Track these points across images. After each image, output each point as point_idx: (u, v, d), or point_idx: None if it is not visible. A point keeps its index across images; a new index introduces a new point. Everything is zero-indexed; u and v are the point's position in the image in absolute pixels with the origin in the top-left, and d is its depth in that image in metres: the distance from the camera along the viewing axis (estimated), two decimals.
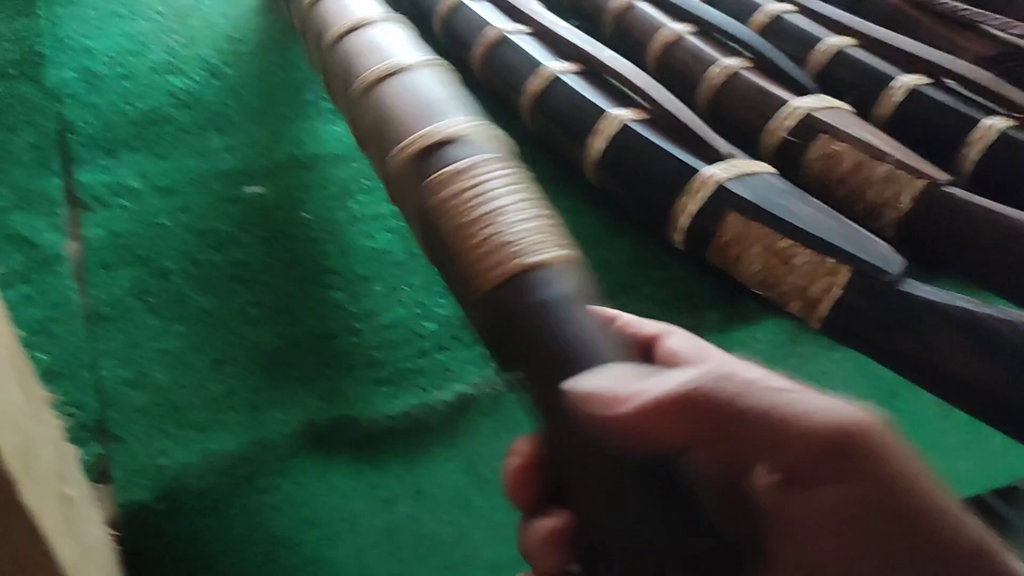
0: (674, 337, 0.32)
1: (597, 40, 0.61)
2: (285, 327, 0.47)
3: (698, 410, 0.25)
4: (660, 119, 0.53)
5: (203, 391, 0.44)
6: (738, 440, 0.25)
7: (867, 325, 0.45)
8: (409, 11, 0.67)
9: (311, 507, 0.42)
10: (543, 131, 0.58)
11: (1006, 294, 0.50)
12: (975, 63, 0.63)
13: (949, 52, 0.64)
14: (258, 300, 0.48)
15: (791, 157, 0.56)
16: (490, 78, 0.61)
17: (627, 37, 0.67)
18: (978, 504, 1.07)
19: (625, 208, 0.54)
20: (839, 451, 0.24)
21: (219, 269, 0.50)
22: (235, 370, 0.45)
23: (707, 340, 0.48)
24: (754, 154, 0.56)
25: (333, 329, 0.47)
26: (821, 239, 0.46)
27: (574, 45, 0.58)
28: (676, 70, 0.63)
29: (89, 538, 0.32)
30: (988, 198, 0.51)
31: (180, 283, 0.49)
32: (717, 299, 0.50)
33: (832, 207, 0.50)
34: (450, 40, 0.65)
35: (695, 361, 0.30)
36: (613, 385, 0.27)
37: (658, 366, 0.30)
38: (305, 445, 0.41)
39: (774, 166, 0.53)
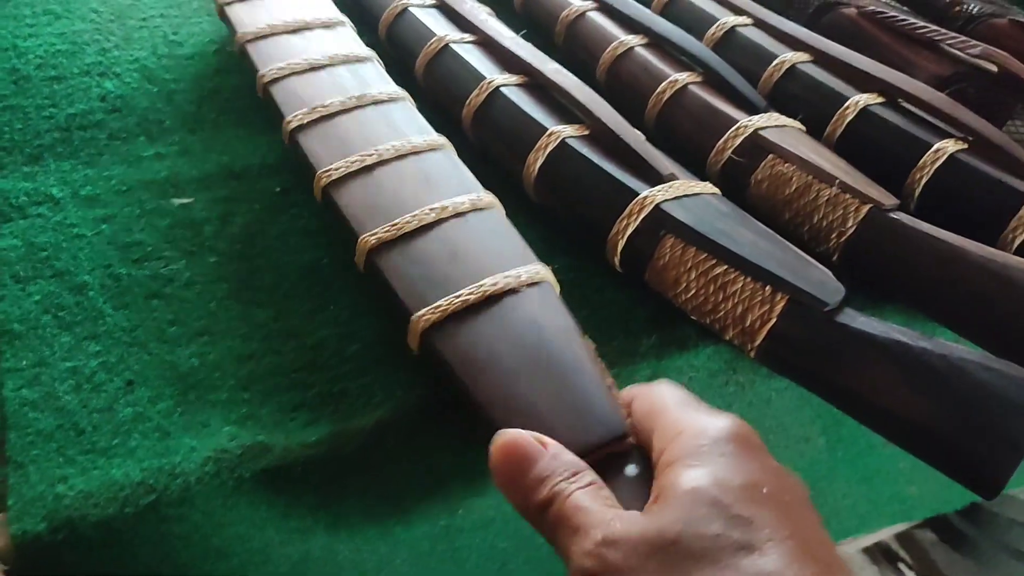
0: (633, 403, 0.38)
1: (548, 50, 0.60)
2: (204, 347, 0.45)
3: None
4: (601, 136, 0.52)
5: (111, 414, 0.42)
6: None
7: (802, 355, 0.44)
8: (355, 15, 0.66)
9: (221, 537, 0.41)
10: (484, 144, 0.56)
11: (947, 322, 0.49)
12: (931, 82, 0.62)
13: (905, 70, 0.63)
14: (177, 318, 0.46)
15: (738, 177, 0.55)
16: (433, 88, 0.59)
17: (578, 48, 0.65)
18: (940, 523, 1.07)
19: (563, 227, 0.53)
20: None
21: (139, 284, 0.48)
22: (147, 392, 0.43)
23: (642, 367, 0.47)
24: (701, 173, 0.55)
25: (254, 350, 0.45)
26: (758, 266, 0.45)
27: (518, 57, 0.57)
28: (626, 83, 0.61)
29: None
30: (937, 222, 0.50)
31: (97, 298, 0.47)
32: (654, 324, 0.48)
33: (777, 229, 0.49)
34: (394, 47, 0.63)
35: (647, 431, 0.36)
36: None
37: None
38: (215, 473, 0.40)
39: (721, 185, 0.52)
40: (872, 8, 0.68)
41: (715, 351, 0.48)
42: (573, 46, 0.66)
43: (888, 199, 0.51)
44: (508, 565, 0.50)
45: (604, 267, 0.50)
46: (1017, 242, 0.51)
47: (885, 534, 1.05)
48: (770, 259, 0.45)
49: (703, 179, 0.52)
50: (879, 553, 1.12)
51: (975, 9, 0.72)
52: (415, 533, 0.45)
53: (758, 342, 0.44)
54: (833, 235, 0.51)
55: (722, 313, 0.46)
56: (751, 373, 0.50)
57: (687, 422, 0.34)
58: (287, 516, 0.42)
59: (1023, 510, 0.96)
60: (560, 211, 0.52)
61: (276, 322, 0.47)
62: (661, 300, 0.48)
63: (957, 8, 0.73)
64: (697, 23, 0.67)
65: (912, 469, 0.65)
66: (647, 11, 0.64)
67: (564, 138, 0.51)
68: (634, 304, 0.49)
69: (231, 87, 0.61)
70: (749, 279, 0.45)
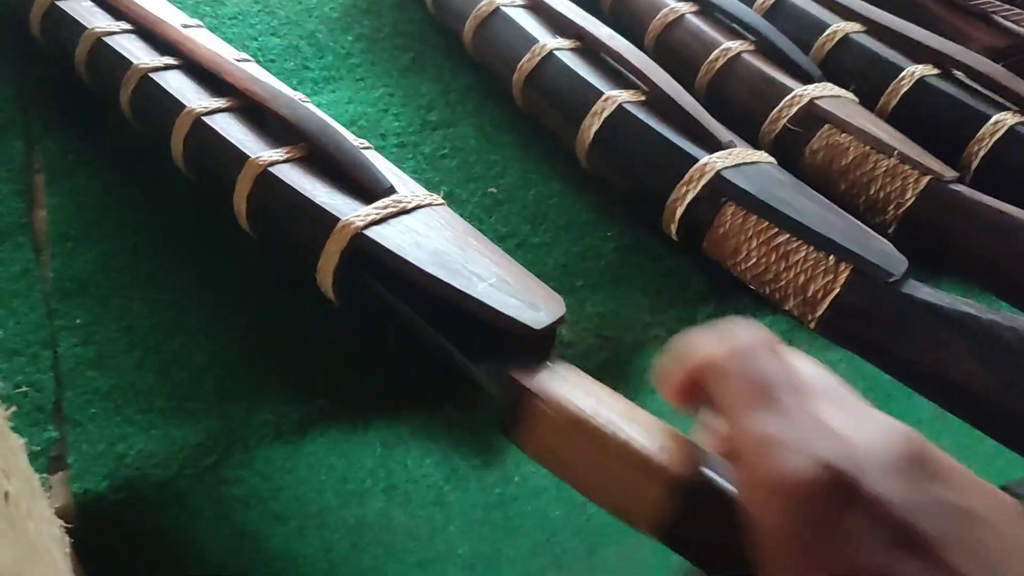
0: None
1: (594, 16, 0.59)
2: (262, 310, 0.44)
3: None
4: (658, 102, 0.51)
5: (169, 375, 0.41)
6: None
7: (865, 326, 0.43)
8: None
9: (278, 500, 0.40)
10: (535, 110, 0.55)
11: (1008, 296, 0.49)
12: (984, 54, 0.61)
13: (958, 42, 0.62)
14: (234, 280, 0.46)
15: (792, 147, 0.54)
16: (482, 52, 0.58)
17: (626, 14, 0.64)
18: None
19: (618, 194, 0.52)
20: None
21: (193, 247, 0.47)
22: (204, 354, 0.42)
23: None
24: (753, 142, 0.54)
25: (313, 314, 0.45)
26: (821, 235, 0.44)
27: (571, 20, 0.56)
28: (675, 51, 0.60)
29: (34, 535, 0.30)
30: (994, 196, 0.50)
31: (149, 261, 0.46)
32: (711, 294, 0.48)
33: (833, 201, 0.48)
34: (442, 11, 0.62)
35: None
36: None
37: None
38: (274, 436, 0.39)
39: (774, 156, 0.51)
40: None
41: (772, 321, 0.48)
42: (621, 13, 0.64)
43: (947, 171, 0.50)
44: (557, 535, 0.49)
45: (659, 236, 0.49)
46: None
47: None
48: (833, 229, 0.45)
49: (756, 149, 0.51)
50: None
51: None
52: (470, 500, 0.45)
53: (820, 312, 0.44)
54: (890, 206, 0.50)
55: (783, 283, 0.45)
56: (807, 345, 0.49)
57: None
58: (345, 480, 0.41)
59: None
60: (615, 178, 0.52)
61: None
62: (718, 269, 0.47)
63: None
64: None
65: (955, 447, 0.64)
66: None
67: (621, 103, 0.50)
68: (691, 273, 0.48)
69: (291, 46, 0.61)
70: (812, 248, 0.44)
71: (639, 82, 0.52)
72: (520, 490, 0.46)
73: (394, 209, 0.42)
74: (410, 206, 0.42)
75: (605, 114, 0.50)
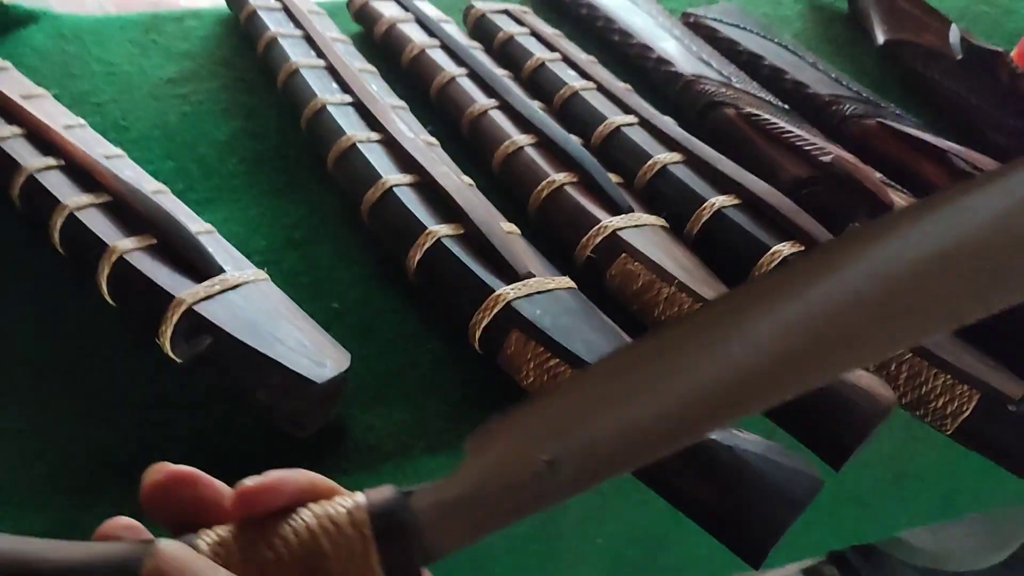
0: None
1: (456, 141, 0.68)
2: (112, 413, 0.53)
3: None
4: (472, 236, 0.60)
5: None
6: None
7: None
8: (288, 104, 0.75)
9: None
10: (379, 236, 0.64)
11: (773, 416, 0.57)
12: (791, 182, 0.70)
13: (773, 169, 0.71)
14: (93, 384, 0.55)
15: (597, 272, 0.62)
16: (341, 180, 0.68)
17: (479, 142, 0.73)
18: (840, 559, 1.15)
19: (440, 311, 0.61)
20: None
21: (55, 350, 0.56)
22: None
23: None
24: (570, 268, 0.63)
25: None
26: (583, 360, 0.53)
27: (412, 158, 0.65)
28: (515, 179, 0.69)
29: None
30: None
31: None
32: (505, 403, 0.55)
33: (629, 319, 0.57)
34: (313, 139, 0.71)
35: None
36: None
37: None
38: None
39: (586, 278, 0.60)
40: (749, 110, 0.76)
41: None
42: (476, 140, 0.74)
43: None
44: None
45: (470, 349, 0.58)
46: None
47: (792, 569, 1.13)
48: (596, 353, 0.53)
49: (574, 271, 0.60)
50: None
51: (849, 110, 0.80)
52: None
53: None
54: None
55: None
56: None
57: None
58: None
59: (909, 553, 1.04)
60: (434, 300, 0.60)
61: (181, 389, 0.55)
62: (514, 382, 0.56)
63: (835, 107, 0.81)
64: (592, 120, 0.75)
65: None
66: (541, 113, 0.72)
67: (439, 237, 0.59)
68: (491, 385, 0.57)
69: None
70: (574, 371, 0.53)
71: (460, 217, 0.61)
72: None
73: (220, 287, 0.53)
74: (235, 283, 0.54)
75: (426, 246, 0.59)
